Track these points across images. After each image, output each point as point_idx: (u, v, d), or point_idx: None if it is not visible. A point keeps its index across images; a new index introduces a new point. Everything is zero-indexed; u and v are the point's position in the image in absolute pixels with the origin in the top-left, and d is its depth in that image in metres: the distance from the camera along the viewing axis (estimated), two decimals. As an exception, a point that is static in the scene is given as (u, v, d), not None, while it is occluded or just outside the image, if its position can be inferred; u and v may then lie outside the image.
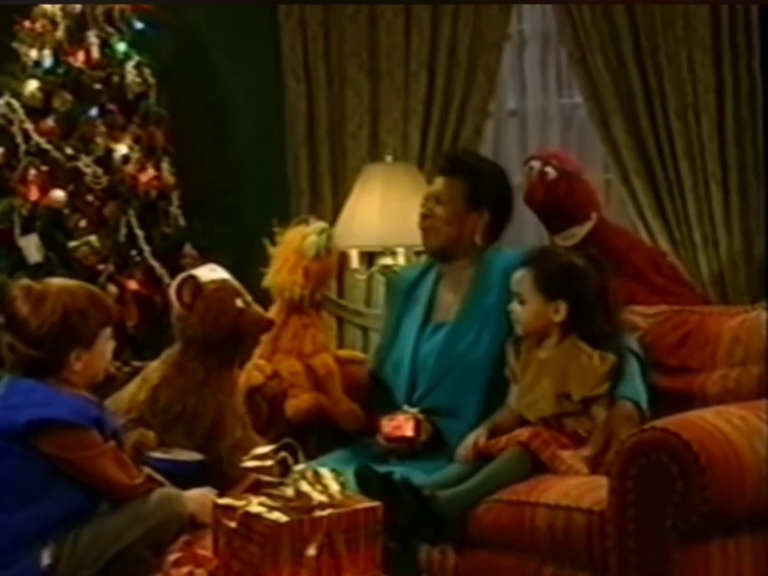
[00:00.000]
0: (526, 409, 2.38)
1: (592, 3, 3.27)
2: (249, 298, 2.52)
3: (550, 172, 2.93)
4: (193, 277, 2.48)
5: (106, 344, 2.24)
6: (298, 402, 2.64)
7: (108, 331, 2.24)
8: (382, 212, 3.30)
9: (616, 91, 3.27)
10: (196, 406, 2.42)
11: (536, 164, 2.96)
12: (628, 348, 2.39)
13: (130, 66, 3.31)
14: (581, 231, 2.90)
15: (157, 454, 2.33)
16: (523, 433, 2.31)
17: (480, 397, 2.45)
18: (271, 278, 2.75)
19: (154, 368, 2.50)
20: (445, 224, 2.54)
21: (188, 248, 3.33)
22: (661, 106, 3.23)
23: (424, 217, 2.58)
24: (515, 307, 2.40)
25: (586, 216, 2.93)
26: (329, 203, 3.68)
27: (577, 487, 2.20)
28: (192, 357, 2.46)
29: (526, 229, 3.47)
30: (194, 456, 2.38)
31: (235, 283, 2.52)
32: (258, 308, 2.52)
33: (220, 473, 2.37)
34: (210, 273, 2.52)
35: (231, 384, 2.50)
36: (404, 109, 3.59)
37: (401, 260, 3.30)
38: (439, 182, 2.59)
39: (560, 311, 2.36)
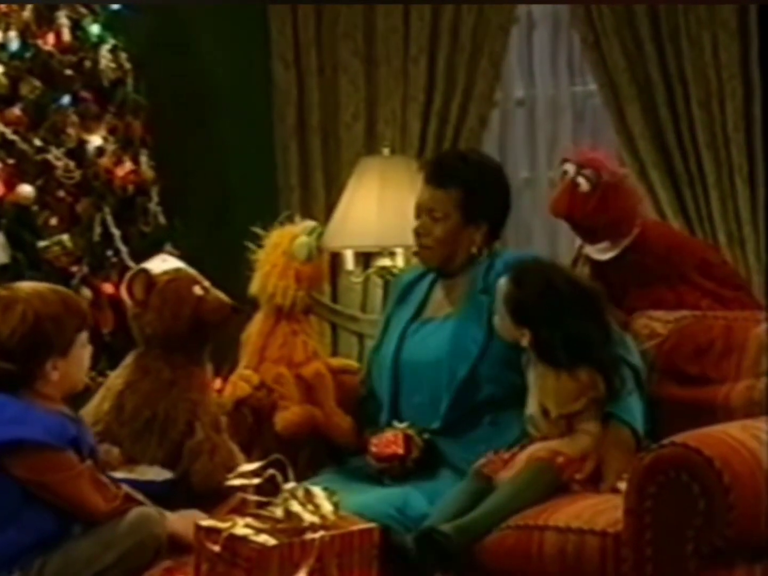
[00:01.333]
0: (528, 423, 2.39)
1: (591, 3, 3.28)
2: (207, 283, 2.52)
3: (582, 183, 2.79)
4: (143, 271, 2.48)
5: (83, 350, 2.24)
6: (289, 415, 2.65)
7: (84, 336, 2.24)
8: (379, 210, 3.30)
9: (633, 77, 3.29)
10: (166, 409, 2.42)
11: (570, 169, 2.82)
12: (626, 362, 2.38)
13: (104, 50, 3.31)
14: (619, 246, 2.82)
15: (119, 474, 2.32)
16: (539, 451, 2.31)
17: (450, 397, 2.44)
18: (258, 285, 2.75)
19: (116, 375, 2.50)
20: (441, 244, 2.52)
21: (169, 248, 3.33)
22: (682, 94, 3.25)
23: (419, 234, 2.54)
24: (495, 315, 2.43)
25: (626, 232, 2.82)
26: (322, 200, 3.69)
27: (589, 507, 2.20)
28: (155, 357, 2.46)
29: (534, 229, 3.50)
30: (162, 474, 2.37)
31: (191, 271, 2.52)
32: (218, 293, 2.52)
33: (195, 491, 2.37)
34: (162, 264, 2.53)
35: (202, 381, 2.50)
36: (403, 98, 3.60)
37: (400, 261, 3.31)
38: (431, 194, 2.52)
39: (525, 337, 2.37)
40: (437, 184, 2.52)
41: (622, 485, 2.21)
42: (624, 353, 2.40)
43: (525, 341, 2.36)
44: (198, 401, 2.46)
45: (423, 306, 2.59)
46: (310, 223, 2.79)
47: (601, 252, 2.84)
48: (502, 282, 2.41)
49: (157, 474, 2.37)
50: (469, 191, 2.50)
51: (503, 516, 2.24)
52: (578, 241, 2.96)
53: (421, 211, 2.55)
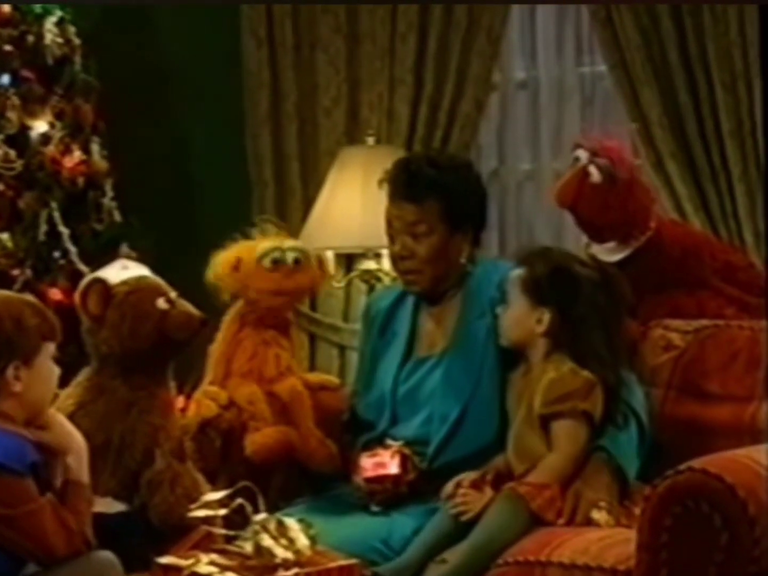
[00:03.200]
0: (509, 445, 2.41)
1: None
2: (173, 294, 2.49)
3: (594, 173, 2.78)
4: (99, 281, 2.45)
5: (50, 363, 2.23)
6: (261, 437, 2.64)
7: (51, 348, 2.23)
8: (363, 206, 3.32)
9: (648, 57, 3.30)
10: (123, 434, 2.41)
11: (583, 156, 2.80)
12: (627, 404, 2.39)
13: (49, 23, 3.31)
14: (629, 246, 2.82)
15: None
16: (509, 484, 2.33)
17: (441, 437, 2.46)
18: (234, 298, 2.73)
19: (66, 394, 2.48)
20: (429, 264, 2.50)
21: (125, 249, 3.33)
22: (704, 76, 3.26)
23: (401, 259, 2.51)
24: (500, 310, 2.46)
25: (637, 233, 2.81)
26: (298, 195, 3.70)
27: (597, 541, 2.20)
28: (112, 375, 2.45)
29: (537, 228, 3.51)
30: (115, 506, 2.36)
31: (155, 279, 2.50)
32: (185, 306, 2.49)
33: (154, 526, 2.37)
34: (121, 272, 2.49)
35: (165, 402, 2.49)
36: (389, 80, 3.60)
37: (386, 264, 3.32)
38: (408, 211, 2.48)
39: (543, 321, 2.41)
40: (412, 198, 2.49)
41: (597, 515, 2.25)
42: (627, 396, 2.40)
43: (541, 327, 2.39)
44: (159, 425, 2.45)
45: (412, 340, 2.59)
46: (289, 242, 2.74)
47: (609, 252, 2.85)
48: (513, 273, 2.45)
49: (109, 506, 2.35)
50: (449, 199, 2.49)
51: (481, 558, 2.26)
52: (585, 239, 2.97)
53: (397, 231, 2.51)
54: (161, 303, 2.45)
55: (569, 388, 2.35)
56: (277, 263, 2.67)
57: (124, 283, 2.46)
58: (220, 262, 2.68)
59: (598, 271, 2.46)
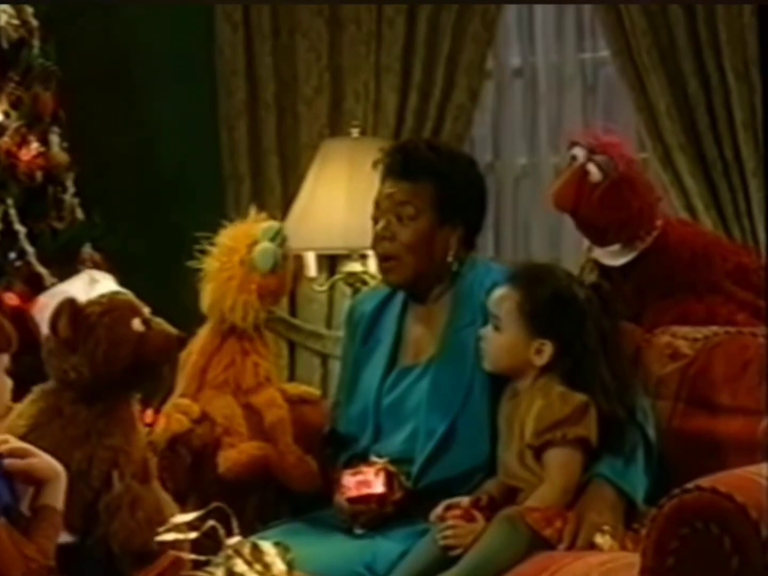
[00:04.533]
0: (500, 471, 2.41)
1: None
2: (147, 312, 2.46)
3: (593, 172, 2.81)
4: (70, 302, 2.39)
5: (2, 376, 2.22)
6: (235, 454, 2.65)
7: (5, 359, 2.22)
8: (348, 203, 3.33)
9: (656, 41, 3.31)
10: (80, 462, 2.37)
11: (580, 154, 2.84)
12: (637, 425, 2.39)
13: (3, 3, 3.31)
14: (634, 249, 2.83)
15: None
16: (507, 510, 2.31)
17: (427, 454, 2.46)
18: (211, 303, 2.74)
19: (18, 413, 2.43)
20: (410, 252, 2.50)
21: (87, 250, 3.33)
22: (715, 61, 3.26)
23: (382, 239, 2.52)
24: (488, 332, 2.42)
25: (642, 234, 2.83)
26: (277, 191, 3.70)
27: (598, 566, 2.20)
28: (72, 400, 2.40)
29: (534, 227, 3.51)
30: (61, 537, 2.34)
31: (127, 296, 2.46)
32: (162, 325, 2.46)
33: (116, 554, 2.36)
34: (90, 287, 2.45)
35: (127, 419, 2.45)
36: (376, 67, 3.61)
37: (372, 266, 3.32)
38: (399, 188, 2.51)
39: (544, 353, 2.38)
40: (406, 176, 2.51)
41: (600, 539, 2.25)
42: (641, 418, 2.41)
43: (541, 360, 2.38)
44: (119, 448, 2.41)
45: (397, 347, 2.59)
46: (272, 225, 2.77)
47: (613, 256, 2.86)
48: (504, 292, 2.42)
49: None
50: (443, 184, 2.51)
51: None
52: (587, 242, 2.98)
53: (383, 210, 2.53)
54: (137, 325, 2.41)
55: (559, 415, 2.33)
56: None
57: (96, 302, 2.41)
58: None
59: (594, 292, 2.42)
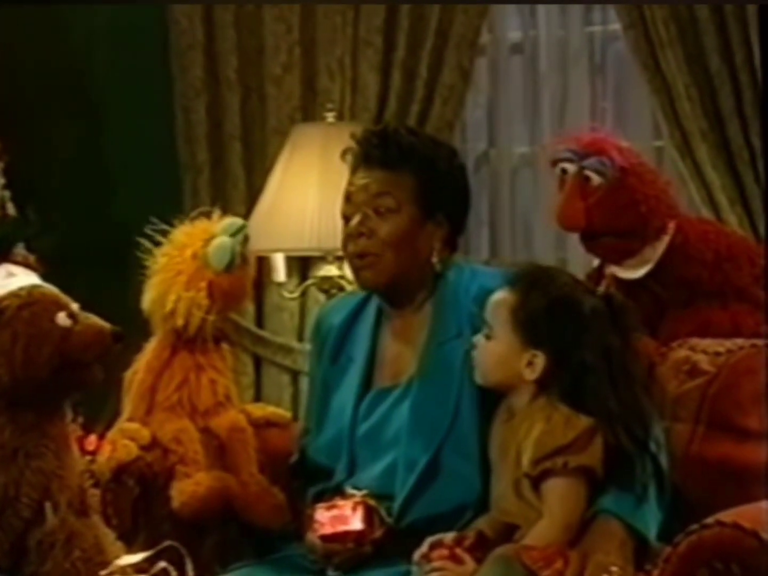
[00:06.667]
0: (493, 505, 2.42)
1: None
2: (75, 306, 2.47)
3: (593, 176, 2.84)
4: None
5: None
6: (191, 486, 2.65)
7: None
8: (321, 198, 3.34)
9: (673, 13, 3.32)
10: (6, 486, 2.39)
11: (570, 167, 2.86)
12: (651, 456, 2.39)
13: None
14: (653, 255, 2.86)
15: None
16: (503, 548, 2.31)
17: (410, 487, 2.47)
18: (153, 299, 2.74)
19: None
20: (390, 249, 2.48)
21: (20, 251, 3.33)
22: (741, 35, 3.28)
23: (358, 235, 2.49)
24: (479, 340, 2.43)
25: (658, 232, 2.87)
26: (241, 183, 3.71)
27: (604, 611, 2.24)
28: None
29: (535, 223, 3.52)
30: None
31: (51, 289, 2.47)
32: (92, 319, 2.47)
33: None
34: (7, 281, 2.48)
35: (60, 442, 2.46)
36: (353, 42, 3.62)
37: (349, 270, 3.34)
38: (376, 178, 2.50)
39: (535, 365, 2.38)
40: (384, 164, 2.50)
41: None
42: (653, 448, 2.40)
43: (532, 373, 2.39)
44: (52, 472, 2.42)
45: (371, 366, 2.58)
46: (234, 221, 2.78)
47: (629, 269, 2.88)
48: (499, 296, 2.43)
49: None
50: (426, 174, 2.51)
51: None
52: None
53: (356, 204, 2.51)
54: (62, 319, 2.43)
55: (561, 441, 2.32)
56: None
57: (14, 294, 2.43)
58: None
59: (606, 303, 2.42)
